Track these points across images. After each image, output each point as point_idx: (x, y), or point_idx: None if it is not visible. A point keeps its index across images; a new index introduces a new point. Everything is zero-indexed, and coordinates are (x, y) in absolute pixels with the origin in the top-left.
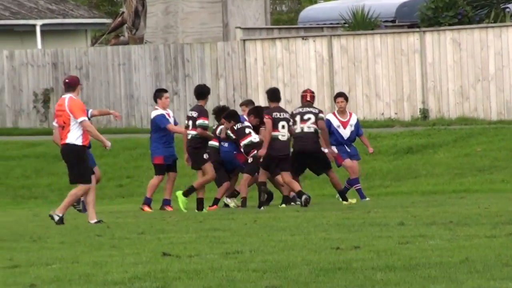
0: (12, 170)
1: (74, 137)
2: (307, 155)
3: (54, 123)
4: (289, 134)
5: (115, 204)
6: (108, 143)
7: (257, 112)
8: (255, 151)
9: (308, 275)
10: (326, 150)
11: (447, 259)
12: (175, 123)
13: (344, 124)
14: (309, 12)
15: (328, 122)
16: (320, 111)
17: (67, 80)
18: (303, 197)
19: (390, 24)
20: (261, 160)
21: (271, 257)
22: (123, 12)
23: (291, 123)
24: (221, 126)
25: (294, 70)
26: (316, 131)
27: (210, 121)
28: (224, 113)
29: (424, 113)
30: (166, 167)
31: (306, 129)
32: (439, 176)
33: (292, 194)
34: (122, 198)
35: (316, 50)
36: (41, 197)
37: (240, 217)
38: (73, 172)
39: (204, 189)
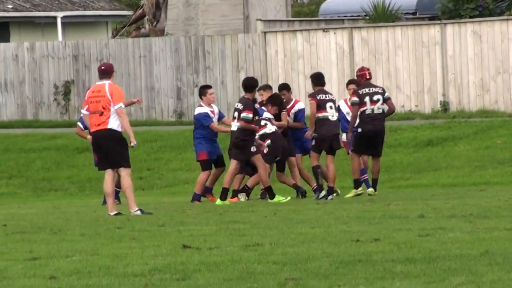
0: (33, 162)
1: (116, 123)
2: (376, 136)
3: (84, 111)
4: (337, 114)
5: (135, 196)
6: (135, 142)
7: (273, 101)
8: (269, 141)
9: (328, 267)
10: (344, 136)
11: (467, 251)
12: (222, 116)
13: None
14: (330, 4)
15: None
16: (384, 90)
17: (103, 67)
18: (322, 193)
19: (411, 16)
20: (312, 143)
21: (291, 250)
22: (144, 4)
23: (337, 105)
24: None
25: (315, 62)
26: (383, 112)
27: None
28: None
29: (445, 105)
30: (211, 162)
31: (376, 111)
32: (459, 169)
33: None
34: (142, 190)
35: (337, 42)
36: (61, 190)
37: (260, 209)
38: (113, 157)
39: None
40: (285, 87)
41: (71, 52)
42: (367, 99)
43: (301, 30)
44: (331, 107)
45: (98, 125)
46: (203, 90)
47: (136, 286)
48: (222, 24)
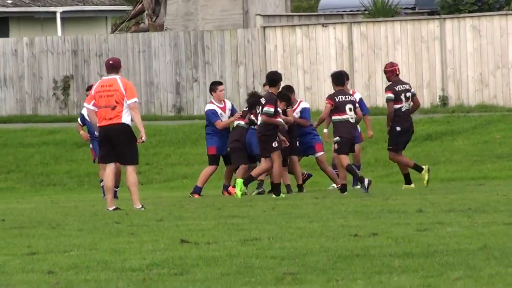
0: (31, 157)
1: (128, 118)
2: (411, 133)
3: (89, 106)
4: (354, 116)
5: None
6: (145, 137)
7: (282, 97)
8: None
9: (326, 262)
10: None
11: (465, 246)
12: (233, 111)
13: None
14: None
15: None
16: (411, 86)
17: (111, 62)
18: (366, 181)
19: (410, 11)
20: (335, 146)
21: (289, 244)
22: None
23: (357, 106)
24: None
25: (314, 57)
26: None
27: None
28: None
29: (444, 100)
30: (218, 158)
31: (407, 107)
32: (458, 163)
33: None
34: (141, 185)
35: (336, 37)
36: (59, 184)
37: (259, 204)
38: (124, 152)
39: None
40: (288, 90)
41: (70, 47)
42: (402, 96)
43: (300, 25)
44: (350, 109)
45: (111, 118)
46: (213, 86)
47: (134, 280)
48: (221, 19)
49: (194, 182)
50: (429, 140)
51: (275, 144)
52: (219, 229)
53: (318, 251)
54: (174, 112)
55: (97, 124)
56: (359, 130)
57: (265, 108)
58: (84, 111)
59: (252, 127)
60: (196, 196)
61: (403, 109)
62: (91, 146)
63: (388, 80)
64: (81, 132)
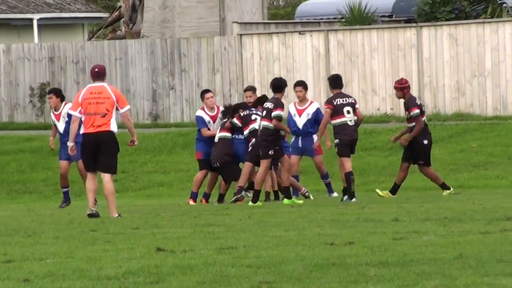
0: (8, 164)
1: (115, 126)
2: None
3: (76, 113)
4: (355, 118)
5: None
6: (137, 142)
7: (262, 102)
8: (254, 140)
9: (302, 270)
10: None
11: (441, 255)
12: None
13: (300, 112)
14: (306, 6)
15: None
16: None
17: (96, 69)
18: (353, 200)
19: (387, 19)
20: (336, 149)
21: (265, 253)
22: (120, 6)
23: (357, 107)
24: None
25: (291, 65)
26: None
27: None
28: (230, 110)
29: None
30: (206, 163)
31: (426, 119)
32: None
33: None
34: (117, 193)
35: (313, 45)
36: (36, 192)
37: (235, 212)
38: (111, 161)
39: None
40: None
41: (47, 54)
42: (423, 109)
43: (277, 33)
44: (348, 112)
45: (99, 126)
46: (202, 94)
47: None
48: (198, 27)
49: (170, 190)
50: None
51: (271, 152)
52: (195, 237)
53: (294, 260)
54: (151, 119)
55: (75, 132)
56: (316, 142)
57: (276, 112)
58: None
59: (237, 136)
60: (192, 202)
61: (426, 122)
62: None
63: (403, 96)
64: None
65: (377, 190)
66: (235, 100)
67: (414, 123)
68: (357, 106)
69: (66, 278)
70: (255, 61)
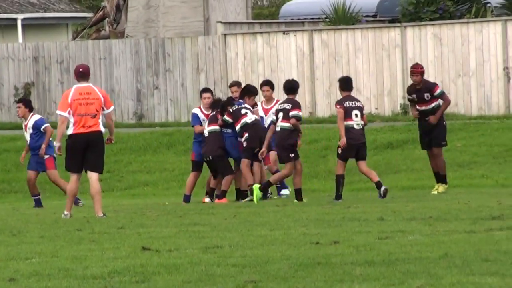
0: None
1: (102, 126)
2: None
3: (65, 114)
4: (363, 122)
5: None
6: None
7: (248, 91)
8: (247, 134)
9: (287, 270)
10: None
11: (427, 254)
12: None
13: (266, 112)
14: (290, 6)
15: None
16: None
17: (81, 70)
18: (382, 188)
19: (371, 19)
20: (338, 151)
21: (251, 252)
22: (104, 6)
23: (364, 111)
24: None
25: (275, 64)
26: None
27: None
28: (220, 105)
29: (405, 108)
30: (200, 164)
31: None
32: (419, 172)
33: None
34: (102, 192)
35: (297, 45)
36: (21, 192)
37: (220, 211)
38: (100, 160)
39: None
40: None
41: (31, 54)
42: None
43: (261, 33)
44: (356, 115)
45: (90, 126)
46: (200, 94)
47: None
48: (182, 26)
49: (155, 189)
50: (390, 148)
51: (291, 155)
52: (181, 236)
53: (280, 259)
54: (135, 119)
55: (63, 133)
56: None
57: (295, 112)
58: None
59: (227, 131)
60: (183, 203)
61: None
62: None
63: (417, 81)
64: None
65: (434, 191)
66: (232, 94)
67: (433, 105)
68: (364, 111)
69: (51, 277)
70: (239, 61)
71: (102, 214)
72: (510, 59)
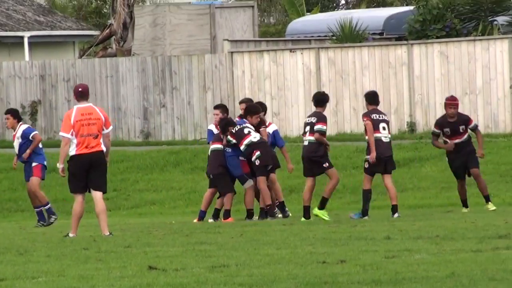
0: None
1: (103, 145)
2: None
3: (68, 135)
4: (390, 135)
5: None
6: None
7: (252, 110)
8: (258, 152)
9: None
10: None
11: (433, 273)
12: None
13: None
14: (296, 24)
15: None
16: None
17: (80, 89)
18: (396, 214)
19: (378, 36)
20: (365, 165)
21: (257, 271)
22: (111, 24)
23: (390, 125)
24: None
25: (282, 82)
26: None
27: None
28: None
29: (411, 126)
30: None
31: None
32: (426, 190)
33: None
34: (109, 211)
35: (304, 63)
36: (28, 210)
37: (227, 230)
38: (104, 180)
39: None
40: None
41: (38, 72)
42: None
43: (268, 50)
44: (384, 128)
45: (93, 147)
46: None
47: None
48: (189, 44)
49: (162, 208)
50: (396, 166)
51: (325, 165)
52: (187, 255)
53: (286, 278)
54: (142, 137)
55: (66, 154)
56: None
57: (319, 126)
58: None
59: (228, 150)
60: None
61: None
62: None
63: (454, 114)
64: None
65: (489, 207)
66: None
67: (465, 136)
68: (390, 125)
69: None
70: (246, 79)
71: (108, 233)
72: None
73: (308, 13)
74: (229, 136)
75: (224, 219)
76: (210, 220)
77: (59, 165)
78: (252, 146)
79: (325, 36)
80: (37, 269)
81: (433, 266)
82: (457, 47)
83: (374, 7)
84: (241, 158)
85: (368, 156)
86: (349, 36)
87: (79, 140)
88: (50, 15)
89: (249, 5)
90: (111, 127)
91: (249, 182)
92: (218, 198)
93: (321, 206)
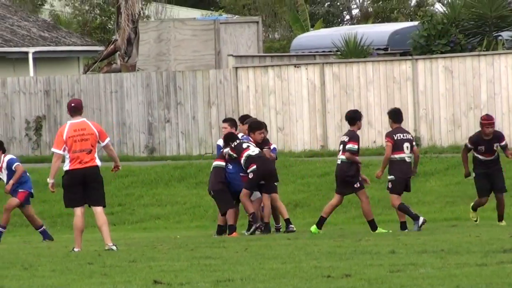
0: (4, 197)
1: (99, 159)
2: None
3: (60, 151)
4: (412, 155)
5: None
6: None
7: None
8: (254, 166)
9: None
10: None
11: (438, 287)
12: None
13: None
14: (301, 39)
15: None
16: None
17: (73, 104)
18: (420, 220)
19: (383, 52)
20: (389, 185)
21: (262, 286)
22: (115, 40)
23: (414, 144)
24: (226, 149)
25: (286, 97)
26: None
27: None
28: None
29: (416, 141)
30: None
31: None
32: (431, 204)
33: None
34: (113, 225)
35: (308, 78)
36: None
37: (232, 245)
38: (101, 194)
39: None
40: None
41: (42, 88)
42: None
43: (272, 66)
44: (407, 148)
45: (86, 162)
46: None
47: None
48: (193, 60)
49: (167, 223)
50: None
51: (357, 185)
52: (192, 270)
53: None
54: (147, 152)
55: (57, 170)
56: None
57: (349, 145)
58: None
59: (229, 166)
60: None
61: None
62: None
63: (491, 133)
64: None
65: (501, 223)
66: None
67: (496, 154)
68: (414, 143)
69: None
70: (250, 94)
71: (111, 243)
72: None
73: (312, 29)
74: (229, 151)
75: (229, 234)
76: (214, 236)
77: (49, 180)
78: (250, 159)
79: (330, 51)
80: (42, 284)
81: (438, 280)
82: (462, 62)
83: (379, 22)
84: (241, 174)
85: (392, 177)
86: (353, 51)
87: (72, 156)
88: (54, 30)
89: (254, 20)
90: (108, 139)
91: (255, 195)
92: (222, 215)
93: (373, 227)
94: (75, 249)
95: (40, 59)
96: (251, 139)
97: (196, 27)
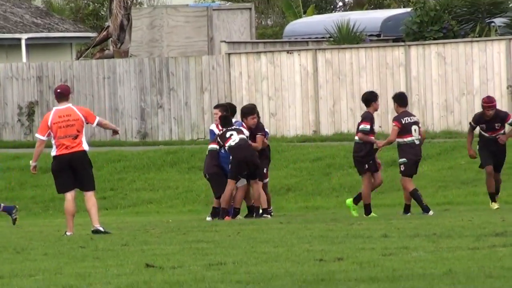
0: None
1: (86, 144)
2: None
3: (43, 137)
4: (419, 137)
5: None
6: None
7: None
8: (231, 157)
9: (291, 286)
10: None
11: (430, 271)
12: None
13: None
14: (294, 26)
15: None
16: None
17: (58, 90)
18: (408, 214)
19: (375, 38)
20: (401, 168)
21: (254, 269)
22: (108, 26)
23: (420, 126)
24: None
25: (279, 83)
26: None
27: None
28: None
29: None
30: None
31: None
32: (423, 189)
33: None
34: (106, 210)
35: (301, 64)
36: (24, 210)
37: (224, 229)
38: (90, 178)
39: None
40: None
41: (35, 74)
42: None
43: (265, 52)
44: (415, 130)
45: (72, 147)
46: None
47: None
48: (186, 46)
49: (159, 207)
50: (394, 166)
51: (366, 166)
52: (184, 253)
53: (283, 276)
54: (139, 138)
55: (39, 154)
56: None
57: (362, 126)
58: None
59: (221, 150)
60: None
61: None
62: None
63: (492, 115)
64: None
65: (493, 205)
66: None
67: (502, 131)
68: (420, 125)
69: None
70: (243, 80)
71: (98, 225)
72: None
73: (305, 15)
74: (218, 138)
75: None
76: (208, 219)
77: (32, 163)
78: (229, 150)
79: (323, 37)
80: (34, 267)
81: (430, 263)
82: (455, 48)
83: (372, 9)
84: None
85: (404, 159)
86: (346, 38)
87: (57, 142)
88: (47, 17)
89: (247, 7)
90: (97, 118)
91: (241, 182)
92: (216, 198)
93: (367, 211)
94: (67, 233)
95: (33, 46)
96: (244, 125)
97: (188, 14)
